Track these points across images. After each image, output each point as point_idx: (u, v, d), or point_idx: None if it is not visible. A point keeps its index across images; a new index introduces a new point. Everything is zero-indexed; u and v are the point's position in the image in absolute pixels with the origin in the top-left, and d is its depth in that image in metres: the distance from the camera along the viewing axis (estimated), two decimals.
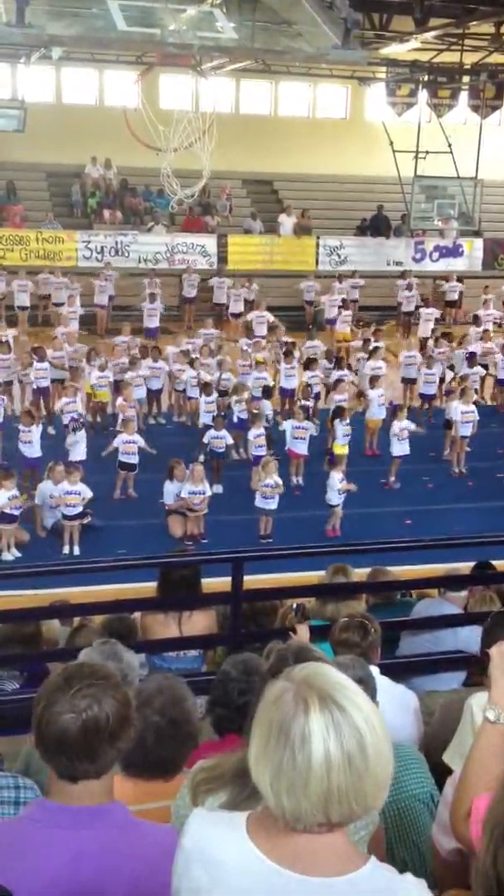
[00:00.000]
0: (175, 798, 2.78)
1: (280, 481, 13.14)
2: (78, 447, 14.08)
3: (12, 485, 12.36)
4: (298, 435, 14.78)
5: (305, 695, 1.74)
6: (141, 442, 14.23)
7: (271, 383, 17.33)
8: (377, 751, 1.73)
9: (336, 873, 1.76)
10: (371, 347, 18.48)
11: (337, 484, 13.21)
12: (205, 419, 15.66)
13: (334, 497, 13.28)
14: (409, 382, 18.78)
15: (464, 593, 6.43)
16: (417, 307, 24.00)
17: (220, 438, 14.69)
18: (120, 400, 15.55)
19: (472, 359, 19.09)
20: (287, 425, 14.98)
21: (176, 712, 3.21)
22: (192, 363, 17.36)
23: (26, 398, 16.83)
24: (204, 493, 13.06)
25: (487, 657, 2.72)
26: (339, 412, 15.07)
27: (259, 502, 13.06)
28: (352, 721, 1.72)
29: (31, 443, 13.89)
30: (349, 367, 18.34)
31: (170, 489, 13.25)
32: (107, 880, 2.17)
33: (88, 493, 12.72)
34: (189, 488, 12.93)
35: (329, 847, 1.78)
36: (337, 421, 14.90)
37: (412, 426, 15.15)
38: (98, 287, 23.15)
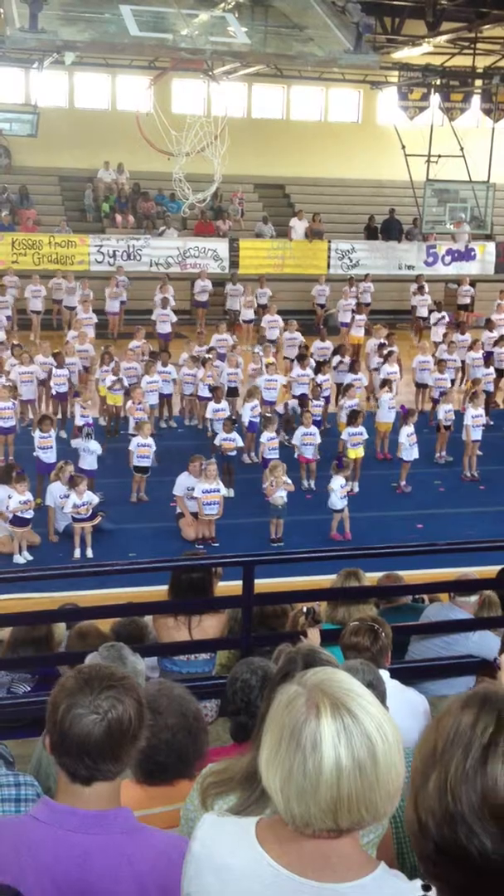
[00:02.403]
0: (182, 802, 2.78)
1: (290, 482, 13.17)
2: (91, 457, 14.07)
3: (25, 488, 12.39)
4: (307, 441, 14.79)
5: (318, 700, 1.73)
6: (153, 447, 14.25)
7: (284, 382, 17.30)
8: (389, 760, 1.71)
9: (345, 879, 1.75)
10: (386, 352, 18.48)
11: (338, 489, 13.21)
12: (215, 427, 15.63)
13: (337, 502, 13.28)
14: (422, 387, 18.76)
15: (474, 598, 6.40)
16: (430, 311, 23.98)
17: (230, 441, 14.70)
18: (129, 403, 15.60)
19: (488, 359, 19.07)
20: (297, 432, 15.01)
21: (188, 708, 3.21)
22: (204, 363, 17.42)
23: (13, 396, 16.00)
24: (217, 492, 13.05)
25: (497, 663, 2.71)
26: (352, 418, 15.06)
27: (276, 496, 13.07)
28: (363, 729, 1.71)
29: (52, 448, 13.92)
30: (360, 369, 18.34)
31: (181, 481, 13.26)
32: (113, 884, 2.17)
33: (95, 500, 12.74)
34: (203, 486, 12.93)
35: (339, 852, 1.77)
36: (349, 427, 14.90)
37: (412, 434, 15.11)
38: (109, 294, 23.21)
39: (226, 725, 4.02)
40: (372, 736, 1.71)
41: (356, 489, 14.49)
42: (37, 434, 13.97)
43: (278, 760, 1.73)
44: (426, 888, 1.49)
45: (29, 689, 5.93)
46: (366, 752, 1.70)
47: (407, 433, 14.98)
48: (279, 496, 13.03)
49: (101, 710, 2.18)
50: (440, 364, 18.38)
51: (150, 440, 14.24)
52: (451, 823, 1.33)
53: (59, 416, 16.59)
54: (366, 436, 15.13)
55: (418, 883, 1.80)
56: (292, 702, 1.76)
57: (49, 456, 13.83)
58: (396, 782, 1.74)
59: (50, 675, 5.65)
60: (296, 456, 14.89)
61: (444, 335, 21.30)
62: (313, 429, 14.92)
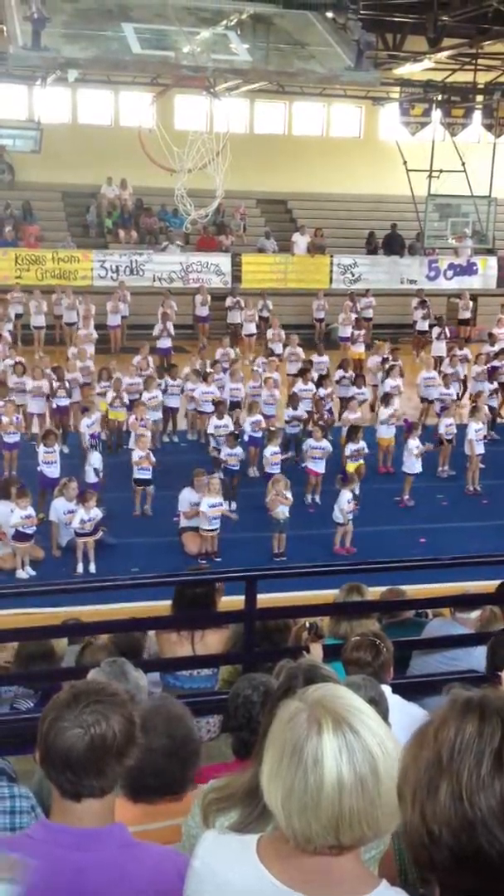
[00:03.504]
0: (178, 817, 2.78)
1: (289, 496, 13.14)
2: (90, 470, 14.10)
3: (27, 503, 12.40)
4: (315, 454, 14.81)
5: (319, 716, 1.73)
6: (152, 458, 14.33)
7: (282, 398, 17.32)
8: (390, 776, 1.70)
9: (347, 895, 1.76)
10: (388, 366, 18.52)
11: (345, 504, 13.21)
12: (215, 443, 15.63)
13: (340, 515, 13.27)
14: (428, 402, 18.77)
15: (475, 614, 6.38)
16: (431, 326, 24.02)
17: (234, 455, 14.73)
18: (132, 418, 15.65)
19: (493, 372, 19.08)
20: (305, 445, 15.03)
21: (178, 731, 3.20)
22: (206, 378, 17.47)
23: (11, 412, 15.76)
24: (220, 506, 13.06)
25: (497, 678, 2.71)
26: (352, 432, 15.08)
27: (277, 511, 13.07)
28: (365, 745, 1.71)
29: (56, 463, 13.94)
30: (364, 384, 18.37)
31: (185, 496, 13.27)
32: None
33: (100, 515, 12.77)
34: (208, 501, 12.94)
35: (340, 869, 1.77)
36: (350, 443, 14.92)
37: (420, 447, 15.10)
38: (110, 308, 23.28)
39: (228, 741, 4.01)
40: (374, 752, 1.71)
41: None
42: (41, 449, 13.99)
43: (280, 776, 1.73)
44: None
45: (32, 705, 5.93)
46: (368, 767, 1.70)
47: (413, 447, 14.99)
48: (280, 511, 13.04)
49: (84, 724, 2.18)
50: (445, 378, 18.38)
51: (147, 452, 14.30)
52: (469, 830, 1.35)
53: (61, 430, 16.63)
54: (366, 451, 15.14)
55: None
56: (294, 718, 1.76)
57: (53, 471, 13.86)
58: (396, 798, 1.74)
59: (54, 691, 5.63)
60: (303, 466, 14.92)
61: (449, 349, 21.33)
62: (324, 442, 14.94)
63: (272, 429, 15.47)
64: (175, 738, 3.17)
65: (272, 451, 14.74)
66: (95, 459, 14.22)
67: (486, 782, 1.35)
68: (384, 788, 1.70)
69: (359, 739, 1.72)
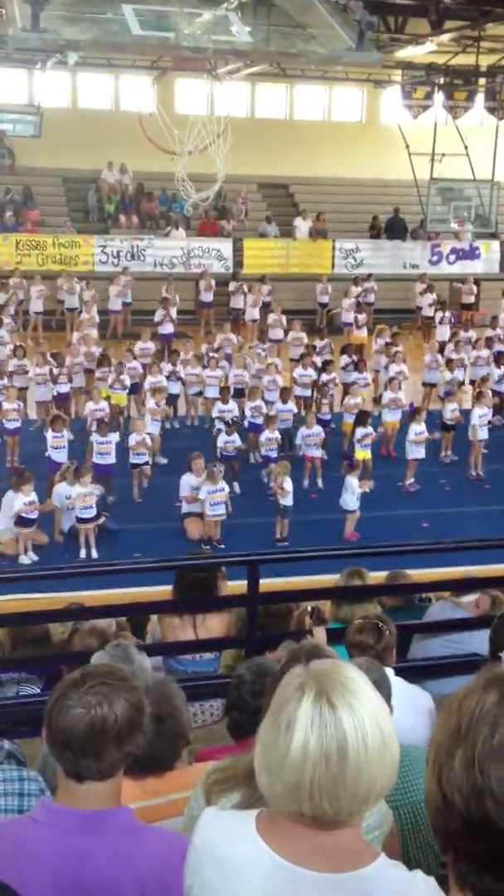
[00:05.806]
0: (170, 794, 2.78)
1: (289, 487, 13.10)
2: (109, 451, 14.13)
3: (30, 489, 12.40)
4: (311, 442, 14.81)
5: (306, 685, 1.76)
6: (149, 442, 14.30)
7: (282, 385, 17.25)
8: (360, 761, 1.70)
9: (344, 869, 1.76)
10: (393, 352, 18.48)
11: (356, 489, 13.16)
12: (219, 425, 15.61)
13: (351, 502, 13.22)
14: (430, 386, 18.73)
15: (466, 599, 6.37)
16: (436, 310, 23.95)
17: (232, 443, 14.72)
18: (152, 403, 15.63)
19: (499, 357, 19.02)
20: (298, 435, 15.04)
21: (162, 709, 3.19)
22: (209, 363, 17.46)
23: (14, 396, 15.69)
24: (223, 491, 13.05)
25: (499, 660, 2.69)
26: (361, 418, 15.05)
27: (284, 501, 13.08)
28: (339, 723, 1.71)
29: (64, 448, 13.94)
30: (365, 368, 18.33)
31: (186, 481, 13.28)
32: (112, 885, 2.16)
33: (96, 492, 12.77)
34: (208, 488, 12.93)
35: (339, 843, 1.78)
36: (359, 427, 14.89)
37: (425, 433, 15.08)
38: (113, 293, 23.23)
39: None
40: (346, 732, 1.71)
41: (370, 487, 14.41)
42: (49, 434, 14.00)
43: (263, 734, 1.79)
44: (442, 866, 1.53)
45: (38, 690, 5.92)
46: (335, 745, 1.70)
47: (416, 431, 14.96)
48: (282, 501, 13.03)
49: (88, 704, 2.18)
50: (449, 363, 18.34)
51: (144, 436, 14.31)
52: (478, 797, 1.38)
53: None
54: (374, 436, 15.12)
55: (419, 873, 1.80)
56: (289, 682, 1.80)
57: (61, 455, 13.89)
58: (367, 786, 1.72)
59: (59, 676, 5.63)
60: (300, 454, 14.91)
61: (452, 334, 21.27)
62: (316, 428, 14.92)
63: (270, 414, 15.44)
64: (153, 714, 3.17)
65: (267, 437, 14.75)
66: (112, 438, 14.25)
67: (498, 751, 1.38)
68: (350, 771, 1.70)
69: (334, 716, 1.71)
